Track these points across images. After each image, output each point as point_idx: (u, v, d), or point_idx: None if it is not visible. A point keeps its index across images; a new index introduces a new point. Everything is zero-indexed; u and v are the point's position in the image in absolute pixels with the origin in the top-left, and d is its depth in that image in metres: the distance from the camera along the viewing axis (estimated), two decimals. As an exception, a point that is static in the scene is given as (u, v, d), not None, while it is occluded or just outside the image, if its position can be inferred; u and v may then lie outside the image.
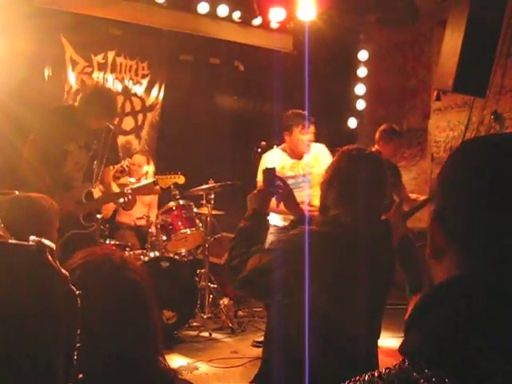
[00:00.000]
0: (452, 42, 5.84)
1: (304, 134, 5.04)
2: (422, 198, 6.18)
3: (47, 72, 6.34)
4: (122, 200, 4.59)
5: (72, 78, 6.51)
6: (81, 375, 1.07)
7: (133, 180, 5.67)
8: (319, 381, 2.15)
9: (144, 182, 5.25)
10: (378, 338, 2.60)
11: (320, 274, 2.30)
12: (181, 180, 5.20)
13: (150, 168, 6.26)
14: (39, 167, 4.28)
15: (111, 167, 4.95)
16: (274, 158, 5.12)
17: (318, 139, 5.45)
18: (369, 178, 2.45)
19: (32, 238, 0.99)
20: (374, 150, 5.92)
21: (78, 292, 1.02)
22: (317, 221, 2.55)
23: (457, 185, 0.99)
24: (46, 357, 0.95)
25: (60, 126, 4.34)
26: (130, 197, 4.54)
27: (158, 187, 5.01)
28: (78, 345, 1.02)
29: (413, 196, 6.24)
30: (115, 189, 4.80)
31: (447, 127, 7.37)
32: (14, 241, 1.01)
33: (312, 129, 5.23)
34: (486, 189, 0.94)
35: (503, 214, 0.92)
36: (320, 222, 2.51)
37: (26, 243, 0.98)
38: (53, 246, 1.02)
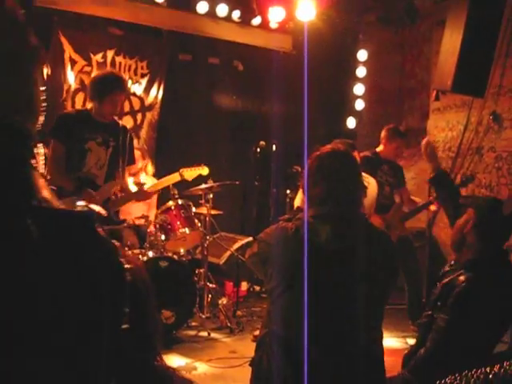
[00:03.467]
0: (451, 43, 5.84)
1: None
2: (422, 202, 6.21)
3: (46, 71, 6.34)
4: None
5: (71, 77, 6.51)
6: None
7: (143, 177, 5.70)
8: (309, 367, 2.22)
9: (167, 178, 5.33)
10: (375, 338, 2.59)
11: (279, 267, 2.44)
12: (205, 171, 5.27)
13: (146, 163, 6.25)
14: (63, 170, 4.38)
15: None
16: None
17: (316, 139, 5.39)
18: (340, 174, 2.54)
19: (80, 203, 0.98)
20: (378, 149, 5.95)
21: (127, 266, 0.99)
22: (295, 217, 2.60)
23: None
24: (89, 335, 0.92)
25: (76, 127, 4.44)
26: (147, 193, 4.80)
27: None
28: (126, 326, 0.99)
29: (416, 199, 6.26)
30: (134, 189, 4.88)
31: (446, 127, 7.38)
32: (61, 207, 0.97)
33: None
34: None
35: None
36: (294, 219, 2.57)
37: (74, 210, 0.94)
38: (103, 212, 1.00)
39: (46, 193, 0.97)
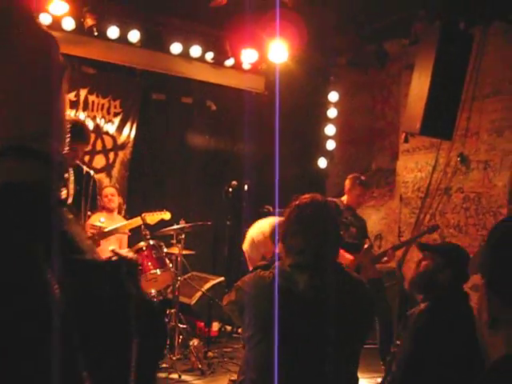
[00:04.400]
0: (419, 86, 5.99)
1: None
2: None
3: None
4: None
5: (43, 115, 6.49)
6: None
7: (102, 219, 5.67)
8: None
9: (128, 221, 5.34)
10: (348, 379, 2.61)
11: (256, 316, 2.46)
12: (167, 216, 5.26)
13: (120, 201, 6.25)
14: None
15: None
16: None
17: (288, 178, 5.43)
18: (318, 224, 2.54)
19: (111, 248, 0.99)
20: (342, 198, 6.01)
21: (162, 313, 1.01)
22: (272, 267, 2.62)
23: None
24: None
25: None
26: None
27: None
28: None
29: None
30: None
31: (415, 168, 7.50)
32: (91, 259, 0.98)
33: None
34: None
35: None
36: (272, 268, 2.59)
37: (102, 262, 0.96)
38: (131, 255, 1.01)
39: (81, 242, 0.98)
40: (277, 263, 2.62)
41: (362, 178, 5.99)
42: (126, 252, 1.06)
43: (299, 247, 2.53)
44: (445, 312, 2.96)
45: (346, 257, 5.49)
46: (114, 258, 1.02)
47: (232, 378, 5.04)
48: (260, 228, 4.98)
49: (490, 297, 1.03)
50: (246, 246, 4.88)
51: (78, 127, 4.55)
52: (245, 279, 2.63)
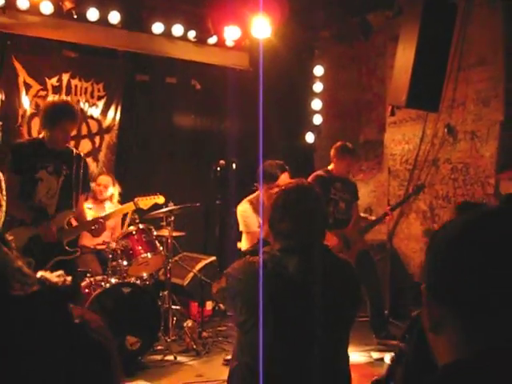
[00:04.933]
0: (404, 58, 5.96)
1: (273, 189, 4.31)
2: (371, 217, 6.45)
3: (0, 96, 6.25)
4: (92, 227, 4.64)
5: (26, 101, 6.43)
6: None
7: (89, 205, 5.64)
8: None
9: (121, 206, 5.33)
10: (345, 362, 2.65)
11: (247, 302, 2.47)
12: (161, 200, 5.23)
13: (115, 190, 6.20)
14: (17, 200, 4.32)
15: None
16: (251, 214, 4.83)
17: (276, 154, 5.33)
18: (305, 208, 2.59)
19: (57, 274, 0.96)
20: (329, 167, 6.01)
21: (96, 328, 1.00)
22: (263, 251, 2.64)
23: (451, 259, 1.00)
24: None
25: (28, 157, 4.38)
26: (101, 224, 4.60)
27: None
28: None
29: (363, 215, 6.49)
30: (88, 216, 4.82)
31: (402, 140, 7.50)
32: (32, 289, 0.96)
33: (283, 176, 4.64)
34: (484, 261, 0.95)
35: (507, 286, 0.93)
36: (262, 252, 2.61)
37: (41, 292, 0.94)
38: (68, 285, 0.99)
39: (18, 273, 0.96)
40: (265, 248, 2.65)
41: (349, 145, 5.99)
42: (56, 277, 1.01)
43: (287, 232, 2.57)
44: None
45: (331, 239, 5.50)
46: (35, 288, 0.98)
47: (227, 358, 5.10)
48: (242, 203, 5.01)
49: (430, 300, 1.03)
50: (241, 226, 4.91)
51: (64, 106, 4.51)
52: (234, 265, 2.66)
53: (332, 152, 5.98)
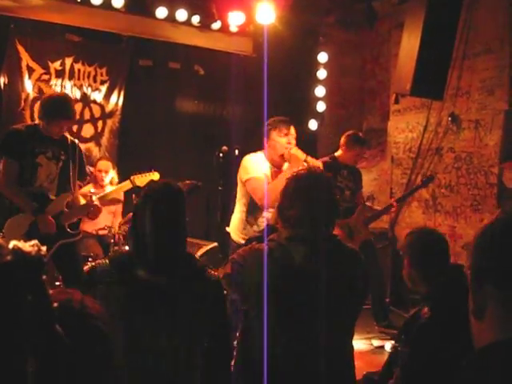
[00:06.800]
0: (409, 46, 5.92)
1: (282, 137, 4.45)
2: (376, 207, 6.44)
3: (3, 80, 6.23)
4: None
5: (29, 85, 6.40)
6: None
7: (92, 190, 5.63)
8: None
9: (118, 186, 5.31)
10: (349, 352, 2.65)
11: (253, 289, 2.45)
12: (156, 176, 5.21)
13: (113, 174, 6.20)
14: (16, 185, 4.35)
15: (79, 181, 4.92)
16: (261, 163, 4.53)
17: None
18: (316, 196, 2.54)
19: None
20: (336, 154, 5.99)
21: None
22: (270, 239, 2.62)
23: (499, 246, 1.08)
24: None
25: (26, 142, 4.38)
26: (96, 206, 4.61)
27: (120, 197, 5.06)
28: None
29: (370, 204, 6.48)
30: (82, 201, 4.81)
31: (406, 128, 7.48)
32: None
33: (293, 130, 4.58)
34: None
35: None
36: (268, 240, 2.59)
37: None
38: (37, 254, 0.98)
39: None
40: (272, 236, 2.62)
41: (360, 135, 5.98)
42: (29, 247, 0.99)
43: (296, 219, 2.52)
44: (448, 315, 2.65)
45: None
46: (8, 258, 0.96)
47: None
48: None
49: (475, 284, 1.09)
50: (243, 173, 4.61)
51: (63, 103, 4.49)
52: (240, 252, 2.64)
53: (342, 140, 5.97)
